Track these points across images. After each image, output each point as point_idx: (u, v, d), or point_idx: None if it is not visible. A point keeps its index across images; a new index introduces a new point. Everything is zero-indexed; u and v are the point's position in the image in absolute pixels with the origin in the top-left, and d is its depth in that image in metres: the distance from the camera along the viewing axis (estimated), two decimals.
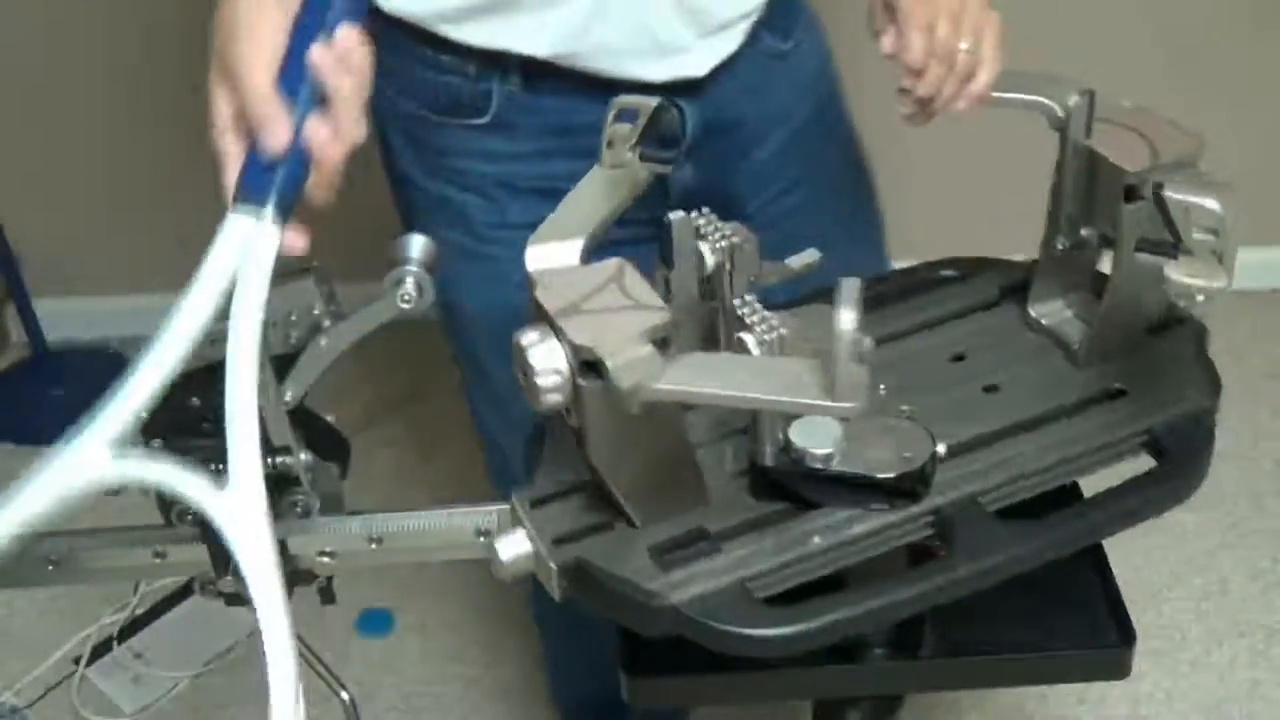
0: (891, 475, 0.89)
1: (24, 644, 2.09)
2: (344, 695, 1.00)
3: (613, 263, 0.85)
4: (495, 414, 1.36)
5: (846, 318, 0.75)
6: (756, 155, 1.27)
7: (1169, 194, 0.86)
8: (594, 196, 0.93)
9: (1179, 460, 0.94)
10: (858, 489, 0.90)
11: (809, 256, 0.99)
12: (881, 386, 0.98)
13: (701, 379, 0.80)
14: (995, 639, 1.01)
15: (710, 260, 0.92)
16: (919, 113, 1.01)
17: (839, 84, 1.35)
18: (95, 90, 2.43)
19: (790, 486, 0.91)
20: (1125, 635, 1.00)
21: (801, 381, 0.78)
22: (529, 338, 0.82)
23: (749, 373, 0.83)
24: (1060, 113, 0.96)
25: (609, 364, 0.79)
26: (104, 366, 2.58)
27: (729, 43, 1.18)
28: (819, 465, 0.89)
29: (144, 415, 0.84)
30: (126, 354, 2.93)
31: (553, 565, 0.90)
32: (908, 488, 0.90)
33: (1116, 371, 0.99)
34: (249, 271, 0.83)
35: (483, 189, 1.21)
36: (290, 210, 0.85)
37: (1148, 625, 1.93)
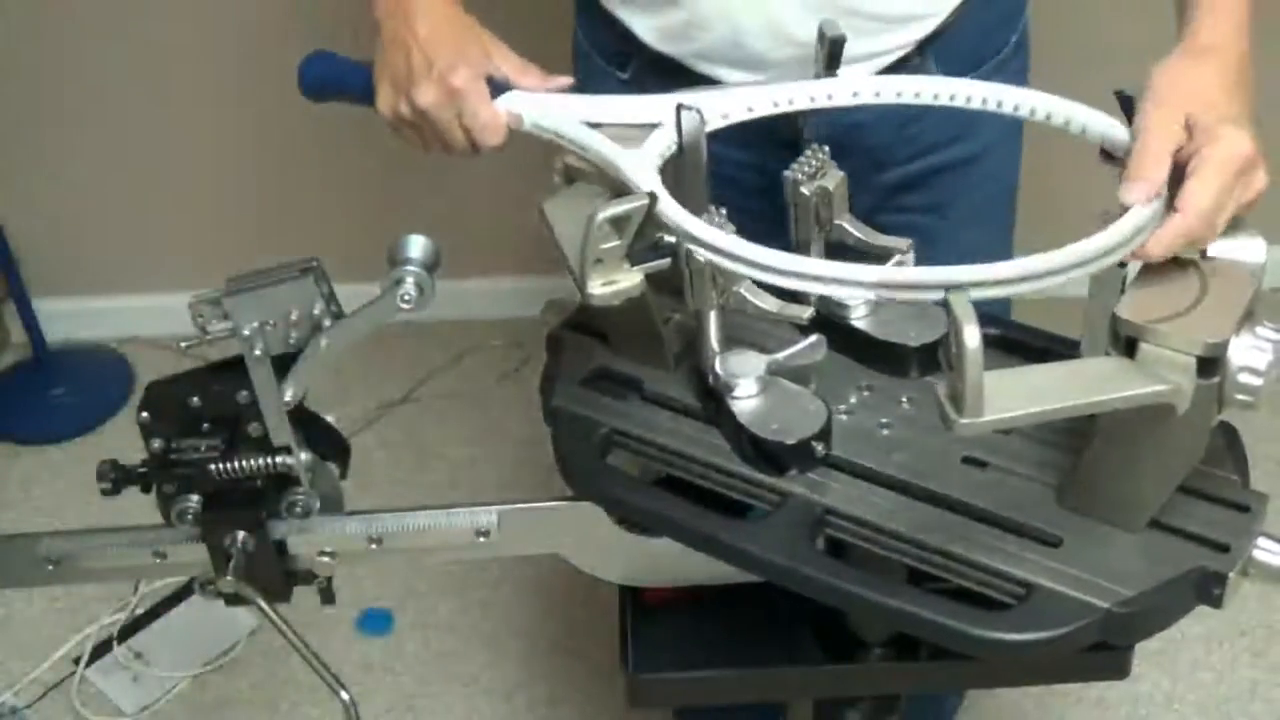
0: (756, 432, 0.93)
1: (24, 644, 2.09)
2: (344, 695, 1.00)
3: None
4: None
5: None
6: (887, 177, 1.26)
7: (951, 301, 0.77)
8: None
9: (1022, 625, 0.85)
10: (735, 428, 0.94)
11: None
12: (906, 399, 0.99)
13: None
14: None
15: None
16: None
17: (1017, 130, 1.31)
18: (95, 90, 2.43)
19: (709, 396, 0.98)
20: None
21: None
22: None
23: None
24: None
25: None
26: (104, 366, 2.58)
27: (854, 73, 1.15)
28: (725, 393, 0.95)
29: None
30: (126, 354, 2.92)
31: (550, 328, 1.07)
32: (769, 455, 0.93)
33: (1077, 525, 0.90)
34: None
35: None
36: None
37: None
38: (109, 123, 2.46)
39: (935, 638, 0.86)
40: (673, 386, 1.01)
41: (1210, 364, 0.81)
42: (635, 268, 0.88)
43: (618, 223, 0.86)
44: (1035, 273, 0.81)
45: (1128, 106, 0.94)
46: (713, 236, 0.87)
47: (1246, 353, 0.81)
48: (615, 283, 0.88)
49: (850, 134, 1.20)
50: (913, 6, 1.18)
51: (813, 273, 0.83)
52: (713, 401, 0.97)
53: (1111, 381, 0.81)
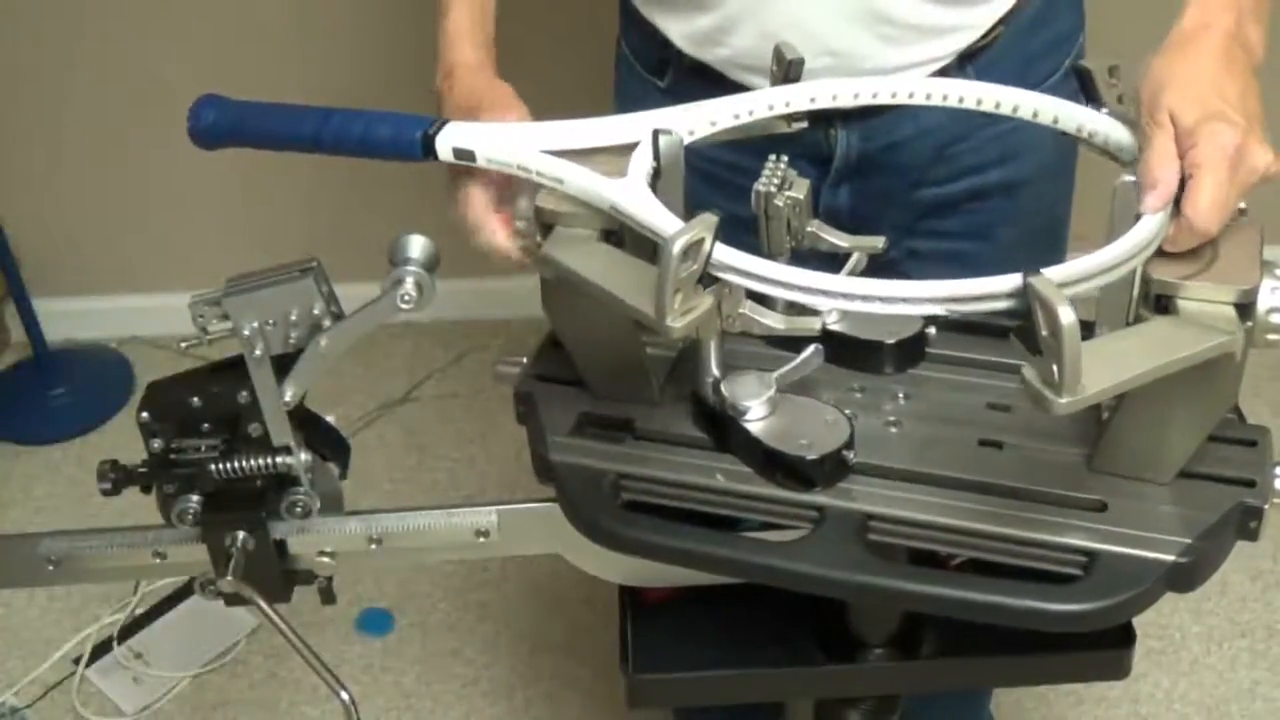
0: (785, 452, 0.91)
1: (24, 644, 2.10)
2: (344, 695, 1.00)
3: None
4: None
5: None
6: (922, 197, 1.24)
7: (1032, 283, 0.76)
8: None
9: (1093, 592, 0.85)
10: (758, 451, 0.93)
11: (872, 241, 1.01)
12: (901, 395, 0.99)
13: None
14: (995, 638, 1.01)
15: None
16: None
17: (1069, 158, 1.28)
18: (96, 91, 2.43)
19: (713, 423, 0.96)
20: (1125, 635, 1.00)
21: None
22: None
23: None
24: None
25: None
26: (104, 366, 2.59)
27: (890, 86, 1.11)
28: (737, 417, 0.93)
29: None
30: (126, 354, 2.93)
31: (515, 386, 1.02)
32: (801, 473, 0.92)
33: (1111, 486, 0.91)
34: None
35: None
36: None
37: (1148, 625, 1.93)
38: (109, 123, 2.46)
39: (1015, 622, 0.86)
40: (664, 420, 0.99)
41: (1245, 309, 0.85)
42: (708, 290, 0.84)
43: (692, 248, 0.81)
44: (1103, 266, 0.82)
45: (1085, 82, 0.95)
46: (773, 270, 0.83)
47: (1272, 295, 0.86)
48: (692, 310, 0.83)
49: (887, 153, 1.20)
50: (944, 17, 1.15)
51: (882, 294, 0.81)
52: (718, 428, 0.95)
53: (1179, 340, 0.83)
